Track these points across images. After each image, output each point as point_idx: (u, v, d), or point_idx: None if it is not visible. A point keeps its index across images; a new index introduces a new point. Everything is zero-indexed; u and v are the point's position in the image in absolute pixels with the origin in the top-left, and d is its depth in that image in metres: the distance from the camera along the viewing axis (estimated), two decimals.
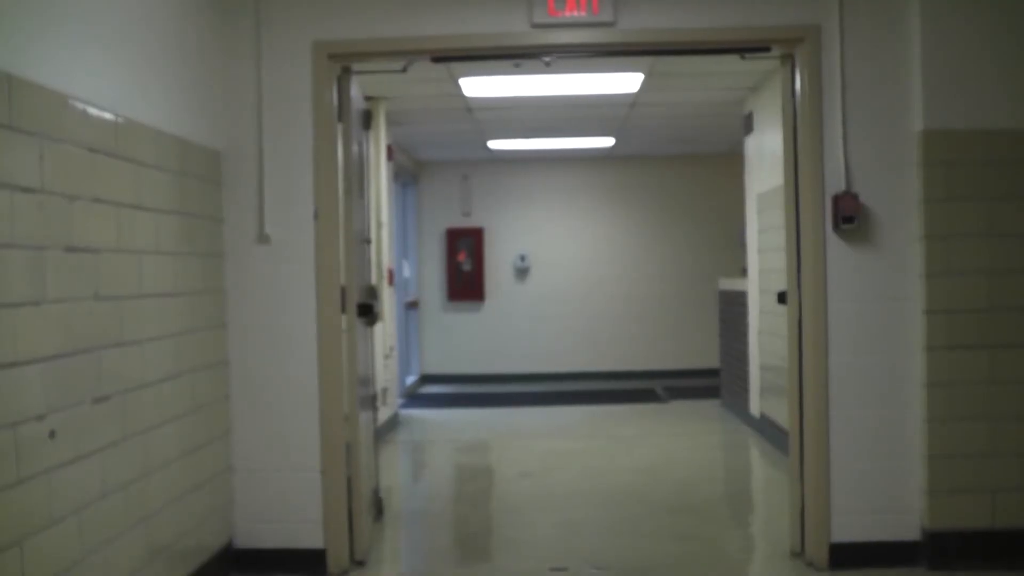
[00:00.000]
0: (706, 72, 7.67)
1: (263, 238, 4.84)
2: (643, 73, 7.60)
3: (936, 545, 4.67)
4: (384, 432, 8.44)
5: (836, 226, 4.74)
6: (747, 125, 8.80)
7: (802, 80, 4.80)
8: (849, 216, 4.71)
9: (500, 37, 4.86)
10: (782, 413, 7.08)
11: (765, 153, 8.08)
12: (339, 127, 4.95)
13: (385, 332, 8.66)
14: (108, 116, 3.58)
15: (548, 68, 6.76)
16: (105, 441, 3.51)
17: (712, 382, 10.86)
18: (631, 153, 12.58)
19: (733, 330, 9.63)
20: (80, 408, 3.33)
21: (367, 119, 5.66)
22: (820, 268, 4.77)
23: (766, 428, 8.16)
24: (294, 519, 4.84)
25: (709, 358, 11.67)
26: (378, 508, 5.75)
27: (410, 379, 11.96)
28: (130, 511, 3.71)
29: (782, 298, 5.07)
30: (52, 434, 3.12)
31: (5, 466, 2.87)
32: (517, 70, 7.26)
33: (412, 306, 12.49)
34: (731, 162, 10.92)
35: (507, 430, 9.41)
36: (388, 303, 8.86)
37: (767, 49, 5.01)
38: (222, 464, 4.75)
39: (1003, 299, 4.67)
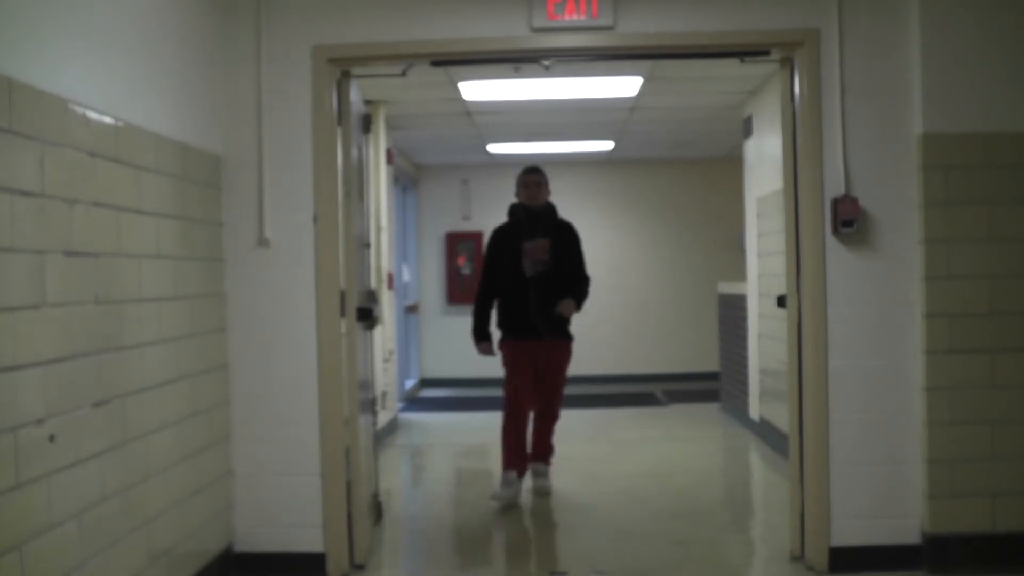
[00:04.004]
0: (705, 76, 7.67)
1: (263, 242, 4.84)
2: (642, 77, 7.60)
3: (936, 549, 4.66)
4: (384, 436, 8.44)
5: (835, 230, 4.74)
6: (746, 129, 8.80)
7: (801, 84, 4.80)
8: (848, 220, 4.71)
9: (499, 41, 4.86)
10: (782, 417, 7.07)
11: (764, 157, 8.08)
12: (339, 131, 4.95)
13: (384, 336, 8.66)
14: (108, 120, 3.58)
15: (547, 72, 6.78)
16: (105, 445, 3.51)
17: (712, 386, 10.85)
18: (630, 157, 12.58)
19: (733, 334, 9.62)
20: (80, 412, 3.33)
21: (367, 123, 5.66)
22: (819, 272, 4.76)
23: (766, 432, 8.15)
24: (294, 523, 4.83)
25: (709, 362, 11.66)
26: (378, 512, 5.75)
27: (409, 383, 11.95)
28: (130, 515, 3.71)
29: (781, 302, 5.07)
30: (52, 438, 3.12)
31: (4, 470, 2.87)
32: (516, 74, 7.27)
33: (412, 310, 12.48)
34: (730, 166, 10.92)
35: None
36: (388, 307, 8.86)
37: (766, 53, 5.02)
38: (222, 468, 4.75)
39: (1003, 303, 4.66)
